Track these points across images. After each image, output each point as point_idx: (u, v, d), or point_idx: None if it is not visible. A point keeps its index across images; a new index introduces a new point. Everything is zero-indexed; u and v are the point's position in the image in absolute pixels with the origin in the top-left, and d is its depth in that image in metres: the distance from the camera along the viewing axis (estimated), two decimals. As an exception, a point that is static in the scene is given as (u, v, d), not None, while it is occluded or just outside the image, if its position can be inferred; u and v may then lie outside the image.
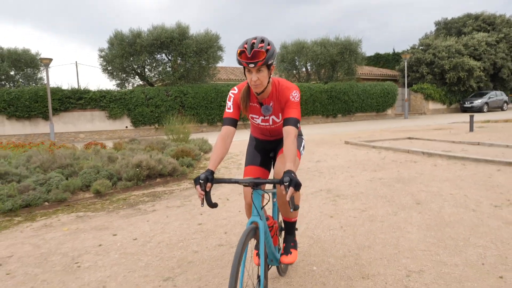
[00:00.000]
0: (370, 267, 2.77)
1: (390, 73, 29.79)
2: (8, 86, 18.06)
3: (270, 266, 2.45)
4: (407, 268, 2.72)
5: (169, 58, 19.13)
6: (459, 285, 2.44)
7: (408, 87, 26.22)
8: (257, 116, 2.36)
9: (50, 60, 16.30)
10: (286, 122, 2.10)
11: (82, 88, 17.58)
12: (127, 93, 17.80)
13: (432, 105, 26.22)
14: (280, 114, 2.29)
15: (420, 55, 25.45)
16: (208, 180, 1.89)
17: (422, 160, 7.15)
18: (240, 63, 2.03)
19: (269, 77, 2.15)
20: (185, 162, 6.89)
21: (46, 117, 17.00)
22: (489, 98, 24.98)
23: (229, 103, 2.25)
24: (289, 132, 2.06)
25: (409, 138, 11.00)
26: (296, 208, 1.85)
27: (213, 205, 1.93)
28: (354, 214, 4.06)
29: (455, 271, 2.65)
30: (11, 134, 16.63)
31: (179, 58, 18.98)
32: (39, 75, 19.25)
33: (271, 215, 2.53)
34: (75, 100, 17.27)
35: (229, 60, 51.10)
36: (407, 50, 28.00)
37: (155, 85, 20.33)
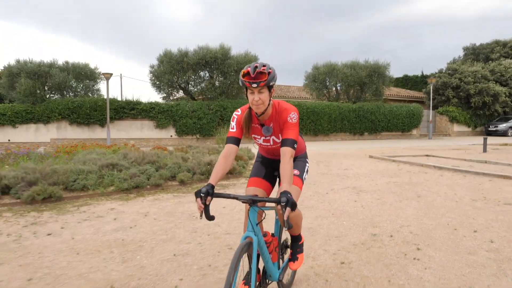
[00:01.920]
0: (379, 224, 4.61)
1: (417, 95, 31.17)
2: (70, 96, 20.81)
3: (269, 281, 2.54)
4: (401, 225, 4.55)
5: (212, 75, 21.48)
6: (429, 232, 4.25)
7: (434, 109, 27.57)
8: (259, 137, 2.51)
9: (111, 74, 18.96)
10: (283, 143, 2.24)
11: (134, 100, 20.14)
12: (173, 105, 20.19)
13: (457, 128, 27.39)
14: (279, 135, 2.42)
15: (446, 79, 26.82)
16: (209, 194, 2.02)
17: (432, 172, 8.85)
18: (243, 84, 2.22)
19: (270, 99, 2.30)
20: (239, 164, 8.88)
21: (102, 124, 19.61)
22: (514, 122, 25.95)
23: (233, 123, 2.40)
24: (285, 153, 2.18)
25: (427, 155, 12.63)
26: (290, 227, 1.96)
27: (211, 218, 2.05)
28: (371, 200, 5.90)
29: (428, 226, 4.46)
30: (72, 138, 19.29)
31: (221, 76, 21.30)
32: (96, 87, 21.97)
33: (270, 231, 2.59)
34: (128, 110, 19.83)
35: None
36: (435, 73, 29.43)
37: (197, 99, 22.70)
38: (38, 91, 19.71)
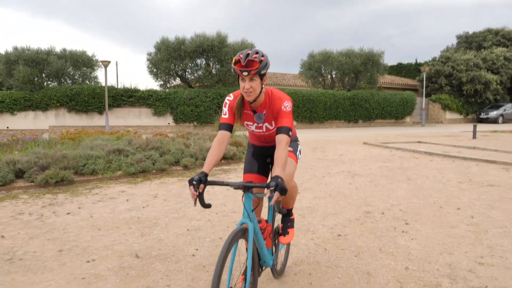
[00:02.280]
0: (372, 203, 5.03)
1: (411, 83, 31.58)
2: (67, 83, 20.90)
3: (263, 268, 2.56)
4: (391, 204, 4.97)
5: (209, 63, 21.66)
6: (417, 210, 4.67)
7: (427, 97, 28.01)
8: (251, 123, 2.50)
9: (109, 62, 19.10)
10: (279, 130, 2.24)
11: (132, 87, 20.31)
12: (171, 93, 20.40)
13: (449, 115, 27.91)
14: (273, 122, 2.43)
15: (440, 67, 27.21)
16: (201, 181, 2.02)
17: (423, 157, 9.30)
18: (234, 71, 2.20)
19: (262, 87, 2.28)
20: (239, 150, 9.24)
21: (100, 112, 19.79)
22: (505, 110, 26.52)
23: (225, 109, 2.38)
24: (281, 140, 2.19)
25: (419, 142, 13.08)
26: (282, 212, 2.01)
27: (206, 206, 2.08)
28: (364, 183, 6.32)
29: (416, 205, 4.89)
30: (70, 125, 19.48)
31: (217, 64, 21.49)
32: (93, 74, 22.06)
33: (264, 218, 2.63)
34: (126, 97, 20.01)
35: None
36: (429, 61, 29.80)
37: (194, 86, 22.90)
38: (36, 79, 19.80)
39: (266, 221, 2.59)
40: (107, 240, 3.77)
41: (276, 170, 2.07)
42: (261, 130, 2.53)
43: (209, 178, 2.08)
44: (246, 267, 2.12)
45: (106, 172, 6.99)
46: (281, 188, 1.92)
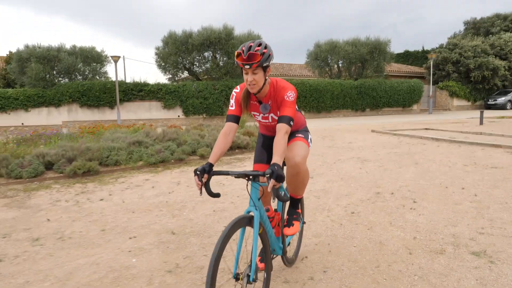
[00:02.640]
0: (381, 185, 5.39)
1: (418, 71, 31.61)
2: (78, 79, 21.38)
3: (274, 256, 2.59)
4: (400, 185, 5.34)
5: (216, 55, 21.98)
6: (424, 190, 5.03)
7: (434, 84, 28.09)
8: (258, 114, 2.54)
9: (118, 57, 19.49)
10: (280, 119, 2.26)
11: (142, 82, 20.74)
12: (180, 86, 20.80)
13: (456, 102, 27.99)
14: (278, 112, 2.42)
15: (447, 54, 27.22)
16: (205, 171, 2.08)
17: (430, 143, 9.61)
18: (237, 64, 2.22)
19: (265, 79, 2.29)
20: (252, 139, 9.63)
21: (111, 106, 20.28)
22: (513, 96, 26.53)
23: (232, 101, 2.43)
24: (280, 129, 2.21)
25: (426, 128, 13.36)
26: (282, 199, 2.02)
27: (214, 195, 2.13)
28: (374, 167, 6.68)
29: (423, 186, 5.25)
30: (82, 120, 20.01)
31: (224, 56, 21.80)
32: (103, 69, 22.51)
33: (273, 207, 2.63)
34: (137, 92, 20.46)
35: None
36: (435, 48, 29.78)
37: (202, 79, 23.26)
38: (48, 75, 20.29)
39: (275, 210, 2.65)
40: (143, 220, 4.19)
41: (274, 158, 2.07)
42: (267, 121, 2.57)
43: (214, 168, 2.11)
44: (251, 254, 2.13)
45: (128, 162, 7.43)
46: (276, 175, 1.93)
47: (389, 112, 25.43)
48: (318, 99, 22.91)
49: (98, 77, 22.32)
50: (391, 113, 25.34)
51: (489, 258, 2.95)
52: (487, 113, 19.41)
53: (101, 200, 5.16)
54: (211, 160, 2.20)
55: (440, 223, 3.76)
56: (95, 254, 3.32)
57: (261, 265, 2.40)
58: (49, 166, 6.96)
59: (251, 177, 2.09)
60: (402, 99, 25.23)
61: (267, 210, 2.46)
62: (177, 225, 4.02)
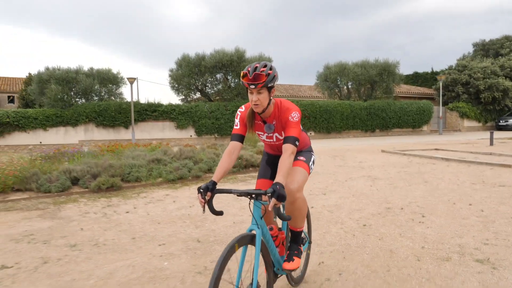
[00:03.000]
0: (391, 201, 5.68)
1: (428, 92, 31.96)
2: (94, 100, 22.17)
3: (279, 275, 2.63)
4: (409, 201, 5.61)
5: (228, 77, 22.67)
6: (433, 206, 5.30)
7: (444, 105, 28.35)
8: (262, 133, 2.60)
9: (134, 79, 20.26)
10: (285, 140, 2.32)
11: (156, 102, 21.42)
12: (192, 107, 21.42)
13: (467, 123, 28.13)
14: (282, 132, 2.50)
15: (456, 76, 27.58)
16: (208, 189, 2.11)
17: (439, 163, 9.86)
18: (243, 84, 2.29)
19: (270, 99, 2.37)
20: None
21: (126, 126, 20.93)
22: (524, 117, 26.60)
23: (236, 120, 2.50)
24: (286, 149, 2.27)
25: (436, 149, 13.59)
26: (284, 218, 2.09)
27: (217, 213, 2.18)
28: (384, 185, 6.97)
29: (432, 202, 5.52)
30: (98, 139, 20.63)
31: (236, 78, 22.47)
32: (118, 91, 23.33)
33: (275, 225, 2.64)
34: (151, 112, 21.12)
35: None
36: (445, 70, 30.19)
37: (213, 100, 23.90)
38: (66, 96, 21.11)
39: (279, 229, 2.68)
40: (169, 230, 4.54)
41: (277, 177, 2.12)
42: (271, 140, 2.62)
43: (218, 186, 2.17)
44: (253, 272, 2.16)
45: (148, 179, 7.83)
46: (278, 194, 1.97)
47: (398, 132, 25.67)
48: (328, 119, 23.31)
49: (113, 98, 23.10)
50: (401, 133, 25.57)
51: (492, 264, 3.23)
52: (498, 134, 19.54)
53: (127, 212, 5.54)
54: (214, 178, 2.24)
55: (447, 235, 4.04)
56: (130, 258, 3.67)
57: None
58: (74, 181, 7.39)
59: (253, 195, 2.13)
60: (412, 120, 25.49)
61: (271, 229, 2.49)
62: (201, 234, 4.36)
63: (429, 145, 15.31)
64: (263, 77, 2.24)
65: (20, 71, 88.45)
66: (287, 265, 2.55)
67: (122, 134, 21.03)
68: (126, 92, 43.06)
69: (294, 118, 2.38)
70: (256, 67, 2.27)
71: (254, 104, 2.33)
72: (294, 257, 2.59)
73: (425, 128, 26.67)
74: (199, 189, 2.13)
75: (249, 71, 2.26)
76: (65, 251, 3.89)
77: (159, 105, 21.33)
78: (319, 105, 23.05)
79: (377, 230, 4.29)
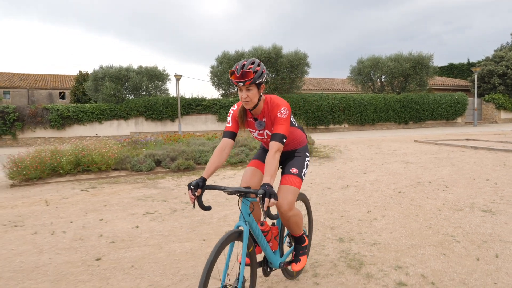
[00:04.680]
0: (421, 178, 7.05)
1: (463, 83, 32.20)
2: (142, 95, 24.31)
3: (273, 269, 2.71)
4: (436, 178, 6.97)
5: (266, 73, 24.20)
6: (455, 181, 6.64)
7: (480, 97, 28.68)
8: (254, 130, 2.65)
9: (180, 76, 22.17)
10: (272, 137, 2.36)
11: (199, 97, 23.30)
12: (233, 101, 23.12)
13: (504, 114, 28.36)
14: (272, 128, 2.53)
15: (492, 67, 27.83)
16: (199, 186, 2.20)
17: (468, 151, 11.02)
18: (231, 82, 2.43)
19: (260, 95, 2.43)
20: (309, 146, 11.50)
21: (172, 119, 22.92)
22: None
23: (229, 118, 2.55)
24: (272, 147, 2.31)
25: (467, 139, 14.60)
26: (271, 217, 2.18)
27: (205, 208, 2.25)
28: (416, 167, 8.32)
29: (456, 179, 6.86)
30: (147, 131, 22.74)
31: (273, 73, 23.97)
32: (164, 87, 25.39)
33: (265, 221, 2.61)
34: (195, 106, 23.01)
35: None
36: (481, 61, 30.38)
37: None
38: (118, 92, 23.36)
39: (273, 224, 2.80)
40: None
41: (265, 178, 2.18)
42: (262, 137, 2.68)
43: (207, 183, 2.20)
44: (239, 268, 2.24)
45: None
46: (269, 194, 2.03)
47: (432, 124, 26.38)
48: (362, 112, 24.40)
49: (159, 93, 25.20)
50: (435, 125, 26.27)
51: (492, 213, 4.62)
52: (533, 126, 19.99)
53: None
54: (205, 174, 2.31)
55: (463, 197, 5.43)
56: (226, 210, 5.29)
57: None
58: (157, 163, 9.18)
59: (242, 193, 2.20)
60: (446, 112, 26.11)
61: (262, 225, 2.55)
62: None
63: (461, 136, 16.26)
64: (250, 74, 2.31)
65: (59, 68, 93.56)
66: (295, 267, 2.71)
67: (169, 127, 23.06)
68: (170, 88, 45.43)
69: (283, 115, 2.42)
70: (244, 64, 2.34)
71: (244, 101, 2.40)
72: (300, 257, 2.74)
73: (459, 120, 27.20)
74: (189, 185, 2.21)
75: (237, 69, 2.34)
76: (183, 205, 5.59)
77: (203, 99, 23.19)
78: (353, 98, 24.18)
79: (409, 195, 5.72)
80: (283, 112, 2.41)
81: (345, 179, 7.31)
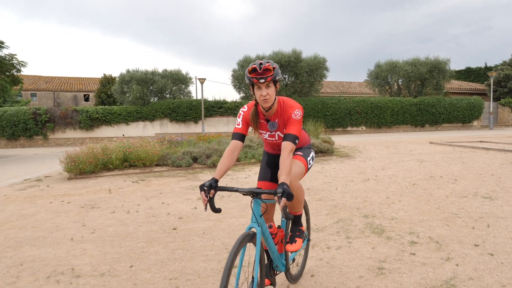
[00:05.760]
0: (434, 173, 7.98)
1: (479, 87, 32.67)
2: (166, 98, 25.62)
3: (278, 272, 2.74)
4: (447, 173, 7.89)
5: (285, 76, 25.27)
6: (464, 176, 7.56)
7: (496, 101, 29.15)
8: (265, 132, 2.67)
9: (204, 79, 23.40)
10: (285, 137, 2.38)
11: (221, 100, 24.49)
12: (253, 104, 24.24)
13: (520, 118, 28.76)
14: (284, 130, 2.55)
15: (509, 72, 28.31)
16: (212, 187, 2.18)
17: (480, 151, 11.85)
18: (250, 80, 2.36)
19: (275, 94, 2.45)
20: (330, 146, 12.48)
21: (196, 121, 24.15)
22: None
23: (239, 120, 2.57)
24: (285, 147, 2.33)
25: (480, 141, 15.35)
26: (288, 217, 2.19)
27: (217, 210, 2.22)
28: (429, 165, 9.25)
29: (465, 174, 7.78)
30: (171, 132, 24.01)
31: (292, 77, 25.01)
32: (187, 89, 26.69)
33: (274, 223, 2.67)
34: (217, 108, 24.21)
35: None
36: (498, 65, 30.84)
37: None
38: (143, 95, 24.73)
39: (278, 227, 2.78)
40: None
41: (281, 177, 2.19)
42: (273, 139, 2.69)
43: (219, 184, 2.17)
44: (254, 269, 2.24)
45: (245, 159, 10.60)
46: (287, 194, 2.04)
47: (448, 127, 27.00)
48: (379, 115, 25.22)
49: (182, 96, 26.50)
50: (451, 128, 26.88)
51: (491, 199, 5.57)
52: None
53: (246, 177, 8.28)
54: (216, 176, 2.31)
55: (469, 188, 6.37)
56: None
57: (267, 281, 2.63)
58: (194, 160, 10.31)
59: (254, 194, 2.22)
60: (462, 115, 26.71)
61: (270, 227, 2.56)
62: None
63: (475, 138, 16.99)
64: (270, 71, 2.35)
65: (80, 70, 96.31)
66: (290, 247, 2.69)
67: (192, 128, 24.32)
68: (194, 91, 46.91)
69: (297, 116, 2.46)
70: (261, 62, 2.38)
71: (263, 99, 2.40)
72: (296, 239, 2.73)
73: (475, 123, 27.74)
74: (202, 186, 2.19)
75: (256, 66, 2.36)
76: (228, 193, 6.66)
77: (224, 102, 24.38)
78: (370, 101, 25.03)
79: (422, 186, 6.69)
80: (298, 113, 2.47)
81: (365, 174, 8.29)
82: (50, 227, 4.97)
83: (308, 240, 3.25)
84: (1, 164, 13.54)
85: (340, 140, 17.64)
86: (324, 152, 11.94)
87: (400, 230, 4.30)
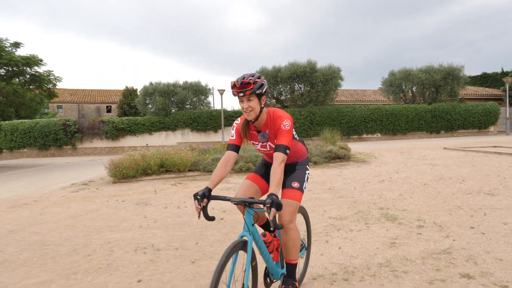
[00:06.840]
0: (445, 175, 8.83)
1: (496, 93, 33.09)
2: (187, 108, 26.91)
3: (274, 280, 2.79)
4: (457, 175, 8.74)
5: (301, 86, 26.30)
6: (472, 177, 8.39)
7: (512, 106, 29.53)
8: (257, 142, 2.78)
9: (223, 90, 24.60)
10: (276, 148, 2.48)
11: (239, 110, 25.62)
12: (271, 113, 25.29)
13: (537, 124, 29.04)
14: (275, 140, 2.63)
15: (524, 77, 28.71)
16: (205, 196, 2.29)
17: (492, 156, 12.60)
18: (233, 94, 2.48)
19: (261, 107, 2.54)
20: (346, 152, 13.40)
21: (215, 130, 25.32)
22: None
23: (233, 132, 2.71)
24: (276, 157, 2.41)
25: (494, 146, 16.03)
26: (278, 227, 2.19)
27: (210, 218, 2.32)
28: (441, 168, 10.09)
29: (473, 175, 8.62)
30: (192, 141, 25.21)
31: (307, 86, 26.02)
32: (206, 100, 27.96)
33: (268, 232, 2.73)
34: (236, 118, 25.31)
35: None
36: (514, 71, 31.21)
37: (288, 106, 27.63)
38: (166, 106, 26.07)
39: (274, 235, 2.82)
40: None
41: (271, 188, 2.29)
42: (265, 149, 2.78)
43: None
44: (244, 276, 2.28)
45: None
46: (276, 204, 2.13)
47: (464, 133, 27.52)
48: (394, 122, 25.96)
49: (201, 107, 27.76)
50: (466, 134, 27.40)
51: (493, 195, 6.43)
52: None
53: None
54: (210, 185, 2.41)
55: (474, 187, 7.24)
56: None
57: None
58: (222, 166, 11.36)
59: (247, 203, 2.29)
60: (478, 121, 27.22)
61: (264, 236, 2.62)
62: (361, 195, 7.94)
63: (490, 144, 17.64)
64: (250, 85, 2.43)
65: (100, 82, 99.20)
66: None
67: (212, 137, 25.48)
68: (213, 101, 48.36)
69: (286, 126, 2.53)
70: (244, 77, 2.48)
71: (246, 111, 2.52)
72: None
73: (491, 129, 28.19)
74: (195, 195, 2.29)
75: (237, 81, 2.47)
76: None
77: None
78: (385, 109, 25.81)
79: (432, 186, 7.58)
80: (286, 124, 2.55)
81: (380, 176, 9.20)
82: (117, 219, 6.06)
83: (307, 248, 3.35)
84: (42, 172, 14.86)
85: (356, 147, 18.51)
86: (342, 157, 12.86)
87: (410, 218, 5.23)
